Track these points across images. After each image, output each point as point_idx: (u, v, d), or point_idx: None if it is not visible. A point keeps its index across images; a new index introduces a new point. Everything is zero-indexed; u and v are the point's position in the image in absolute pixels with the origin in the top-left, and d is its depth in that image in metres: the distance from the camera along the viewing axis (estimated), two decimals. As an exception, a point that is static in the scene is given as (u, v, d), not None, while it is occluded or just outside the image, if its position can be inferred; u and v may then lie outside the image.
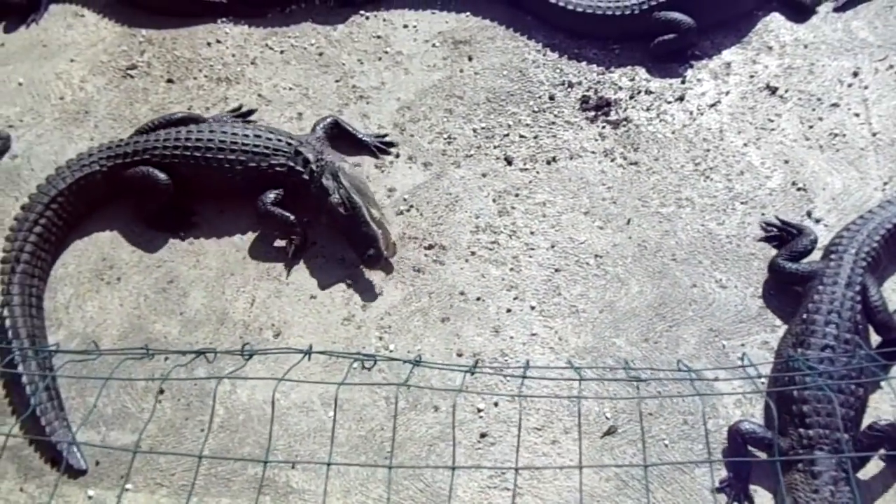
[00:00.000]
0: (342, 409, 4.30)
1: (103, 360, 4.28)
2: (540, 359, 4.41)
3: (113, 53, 6.06)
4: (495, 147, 5.31)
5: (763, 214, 4.83)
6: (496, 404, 4.28)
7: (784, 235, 4.68)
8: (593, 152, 5.23)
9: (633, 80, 5.57)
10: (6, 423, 4.36)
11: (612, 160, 5.18)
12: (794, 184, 4.94)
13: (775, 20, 5.76)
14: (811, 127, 5.18)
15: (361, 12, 6.13)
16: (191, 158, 4.94)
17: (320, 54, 5.92)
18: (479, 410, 4.26)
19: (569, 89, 5.55)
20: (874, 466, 3.94)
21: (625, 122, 5.34)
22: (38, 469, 4.24)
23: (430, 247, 4.88)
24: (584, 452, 4.09)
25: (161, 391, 4.42)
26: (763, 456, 3.97)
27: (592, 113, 5.41)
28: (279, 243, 4.97)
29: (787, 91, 5.37)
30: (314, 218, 4.98)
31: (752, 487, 3.95)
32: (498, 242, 4.88)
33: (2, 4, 6.31)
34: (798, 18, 5.74)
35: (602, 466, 4.04)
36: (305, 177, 4.85)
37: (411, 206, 5.06)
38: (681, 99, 5.41)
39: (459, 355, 4.45)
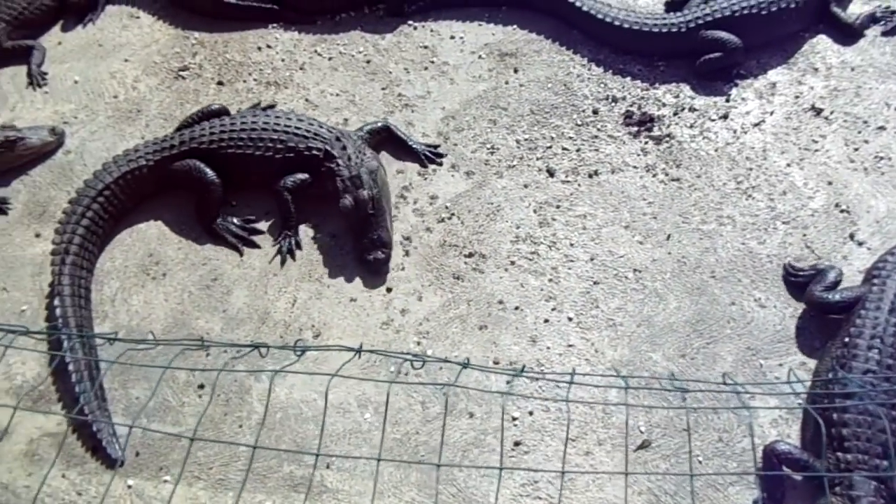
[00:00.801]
0: (378, 412, 4.35)
1: (146, 353, 4.42)
2: (576, 370, 4.43)
3: (166, 55, 6.22)
4: (538, 159, 5.35)
5: (805, 235, 4.82)
6: (531, 413, 4.30)
7: (802, 280, 4.61)
8: (635, 167, 5.26)
9: (677, 96, 5.59)
10: (52, 411, 4.47)
11: (654, 175, 5.20)
12: (837, 205, 4.93)
13: (822, 42, 5.76)
14: (856, 149, 5.16)
15: (409, 22, 6.24)
16: (236, 143, 5.11)
17: (368, 62, 6.03)
18: (514, 419, 4.29)
19: (613, 104, 5.59)
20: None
21: (668, 139, 5.36)
22: (80, 457, 4.32)
23: (471, 255, 4.93)
24: (616, 466, 4.11)
25: (201, 386, 4.50)
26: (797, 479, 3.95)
27: (635, 128, 5.44)
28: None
29: (832, 113, 5.36)
30: (326, 220, 5.13)
31: (786, 510, 3.94)
32: (538, 253, 4.92)
33: (60, 4, 6.50)
34: (845, 41, 5.74)
35: (650, 474, 4.04)
36: (340, 162, 4.95)
37: (453, 214, 5.12)
38: (725, 117, 5.43)
39: (496, 363, 4.48)
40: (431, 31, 6.19)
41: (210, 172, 5.08)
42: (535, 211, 5.10)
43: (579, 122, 5.52)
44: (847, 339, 4.10)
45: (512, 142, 5.46)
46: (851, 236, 4.80)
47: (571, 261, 4.87)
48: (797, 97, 5.48)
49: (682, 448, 4.13)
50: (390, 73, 5.94)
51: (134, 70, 6.13)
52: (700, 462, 4.10)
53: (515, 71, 5.85)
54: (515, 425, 4.27)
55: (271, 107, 5.73)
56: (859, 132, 5.25)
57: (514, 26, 6.13)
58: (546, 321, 4.65)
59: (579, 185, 5.21)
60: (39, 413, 4.44)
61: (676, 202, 5.07)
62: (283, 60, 6.10)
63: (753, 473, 3.95)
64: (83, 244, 4.92)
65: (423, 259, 4.94)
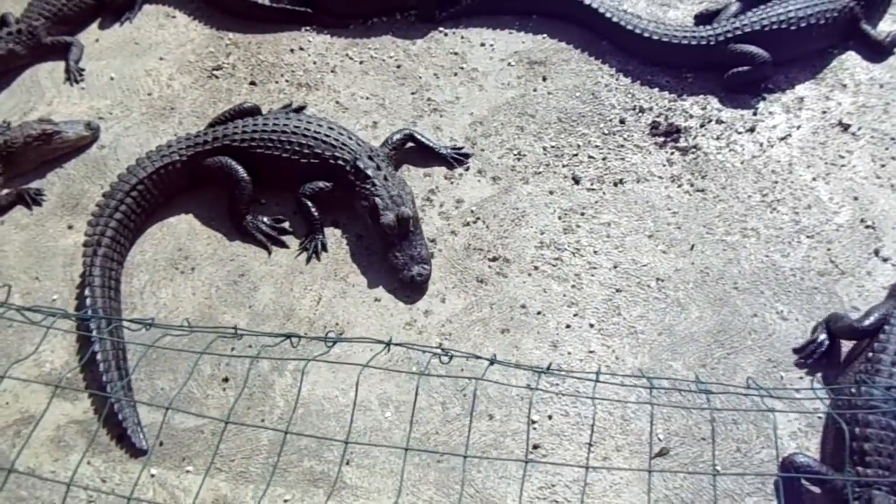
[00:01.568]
0: (399, 411, 4.40)
1: (173, 345, 4.50)
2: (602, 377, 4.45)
3: (200, 54, 6.33)
4: (564, 166, 5.40)
5: (829, 250, 4.83)
6: (550, 417, 4.33)
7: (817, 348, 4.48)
8: (660, 177, 5.29)
9: (704, 108, 5.62)
10: (79, 398, 4.56)
11: (679, 186, 5.23)
12: (862, 221, 4.93)
13: (851, 58, 5.77)
14: (883, 166, 5.17)
15: (440, 29, 6.32)
16: (265, 143, 5.21)
17: (398, 67, 6.10)
18: (534, 422, 4.32)
19: (639, 114, 5.63)
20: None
21: (694, 150, 5.39)
22: (105, 445, 4.39)
23: (495, 259, 4.98)
24: (634, 472, 4.13)
25: (226, 379, 4.57)
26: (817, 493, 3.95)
27: (662, 139, 5.47)
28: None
29: (859, 129, 5.37)
30: (352, 221, 5.22)
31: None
32: (561, 259, 4.96)
33: (99, 2, 6.63)
34: (875, 58, 5.75)
35: (673, 472, 4.06)
36: (377, 181, 5.01)
37: (478, 219, 5.17)
38: (751, 130, 5.45)
39: (521, 367, 4.50)
40: (462, 37, 6.26)
41: (241, 170, 5.18)
42: (559, 217, 5.14)
43: (606, 131, 5.56)
44: (871, 355, 4.09)
45: (539, 148, 5.51)
46: (876, 252, 4.80)
47: (594, 268, 4.91)
48: (825, 112, 5.49)
49: (700, 457, 4.15)
50: (420, 77, 6.01)
51: (169, 68, 6.25)
52: (719, 471, 4.11)
53: (544, 79, 5.90)
54: (534, 429, 4.30)
55: (302, 108, 5.81)
56: (887, 149, 5.25)
57: (544, 35, 6.19)
58: (568, 327, 4.68)
59: (604, 193, 5.24)
60: (66, 400, 4.53)
61: (701, 213, 5.09)
62: (314, 63, 6.19)
63: (773, 475, 3.97)
64: (115, 237, 5.02)
65: (448, 262, 4.99)
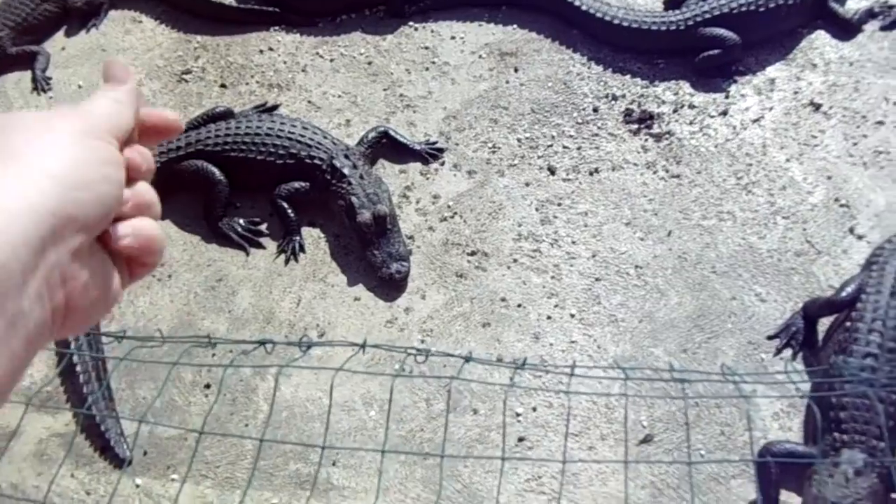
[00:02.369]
0: (383, 410, 4.39)
1: (153, 353, 4.47)
2: (583, 368, 4.47)
3: (169, 58, 6.27)
4: (539, 157, 5.40)
5: (805, 230, 4.86)
6: (534, 409, 4.34)
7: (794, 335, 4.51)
8: (636, 164, 5.30)
9: (676, 94, 5.63)
10: (60, 412, 4.52)
11: (655, 172, 5.24)
12: (836, 200, 4.96)
13: (820, 38, 5.79)
14: (855, 144, 5.20)
15: (410, 23, 6.28)
16: (239, 147, 5.17)
17: (369, 63, 6.07)
18: (518, 415, 4.33)
19: (612, 102, 5.63)
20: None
21: (668, 136, 5.40)
22: (88, 457, 4.37)
23: (473, 253, 4.98)
24: (619, 460, 4.15)
25: (208, 386, 4.55)
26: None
27: (635, 126, 5.48)
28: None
29: (831, 108, 5.39)
30: (329, 221, 5.20)
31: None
32: (540, 251, 4.96)
33: (63, 10, 6.55)
34: (844, 36, 5.76)
35: (646, 462, 4.08)
36: (353, 180, 4.99)
37: (455, 213, 5.16)
38: (724, 113, 5.47)
39: (500, 360, 4.52)
40: (432, 31, 6.23)
41: (216, 171, 5.15)
42: (536, 209, 5.14)
43: (580, 121, 5.56)
44: (848, 324, 4.14)
45: (513, 140, 5.50)
46: (851, 230, 4.83)
47: (573, 258, 4.91)
48: (796, 93, 5.51)
49: (685, 442, 4.17)
50: (392, 73, 5.99)
51: (137, 74, 6.17)
52: (703, 455, 4.14)
53: (516, 70, 5.89)
54: (519, 421, 4.31)
55: (275, 108, 5.78)
56: (858, 127, 5.28)
57: (514, 26, 6.17)
58: (549, 318, 4.69)
59: (580, 182, 5.25)
60: (47, 413, 4.50)
61: (677, 199, 5.11)
62: (285, 63, 6.15)
63: (741, 461, 3.99)
64: None
65: (426, 258, 4.98)
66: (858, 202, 4.94)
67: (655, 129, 5.44)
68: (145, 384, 4.58)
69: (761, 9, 5.55)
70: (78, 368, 4.47)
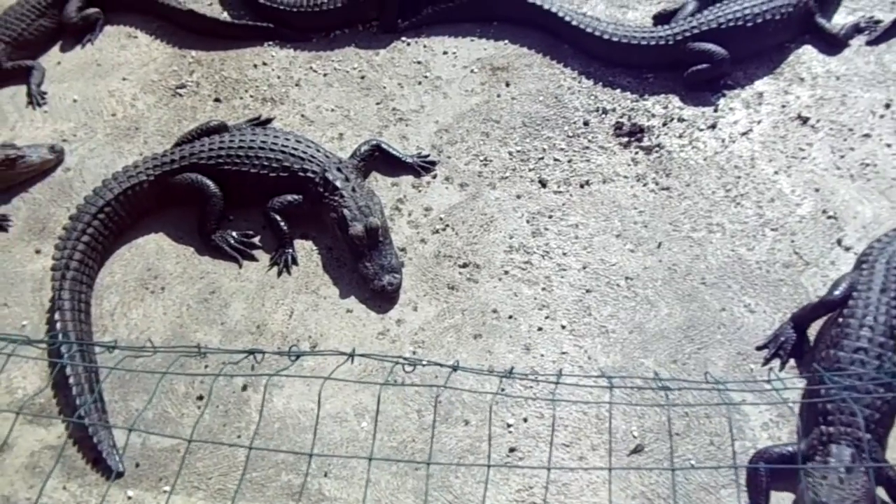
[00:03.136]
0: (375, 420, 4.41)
1: (145, 365, 4.49)
2: (570, 377, 4.49)
3: (163, 73, 6.32)
4: (530, 170, 5.44)
5: (793, 242, 4.90)
6: (525, 420, 4.36)
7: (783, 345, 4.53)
8: (626, 177, 5.35)
9: (666, 107, 5.69)
10: (53, 424, 4.52)
11: (645, 185, 5.29)
12: (824, 212, 5.01)
13: (807, 52, 5.87)
14: (842, 157, 5.26)
15: (403, 38, 6.36)
16: (233, 160, 5.21)
17: (362, 78, 6.13)
18: (509, 426, 4.35)
19: (603, 115, 5.69)
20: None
21: (657, 149, 5.45)
22: (80, 469, 4.36)
23: (465, 265, 5.01)
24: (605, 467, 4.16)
25: (200, 397, 4.56)
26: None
27: (626, 139, 5.53)
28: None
29: (818, 121, 5.46)
30: (322, 233, 5.24)
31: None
32: (531, 262, 4.99)
33: (59, 25, 6.60)
34: (830, 51, 5.85)
35: (635, 469, 4.10)
36: (345, 193, 5.02)
37: (447, 226, 5.20)
38: (713, 127, 5.53)
39: (491, 371, 4.54)
40: (424, 46, 6.30)
41: (210, 184, 5.19)
42: (527, 221, 5.18)
43: (570, 134, 5.61)
44: (840, 320, 4.21)
45: (504, 154, 5.55)
46: (839, 242, 4.88)
47: (564, 269, 4.95)
48: (784, 106, 5.58)
49: (675, 452, 4.19)
50: (384, 88, 6.04)
51: (132, 88, 6.23)
52: (693, 465, 4.16)
53: (507, 84, 5.95)
54: (510, 432, 4.33)
55: (269, 121, 5.83)
56: (845, 140, 5.34)
57: (506, 41, 6.25)
58: (539, 329, 4.71)
59: (571, 195, 5.29)
60: (40, 426, 4.50)
61: (667, 211, 5.15)
62: (279, 77, 6.20)
63: (732, 467, 4.01)
64: (83, 260, 4.99)
65: (419, 270, 5.01)
66: (846, 214, 4.99)
67: (645, 142, 5.49)
68: (138, 396, 4.59)
69: (749, 24, 5.63)
70: (71, 380, 4.48)
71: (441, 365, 2.92)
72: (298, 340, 4.77)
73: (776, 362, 4.44)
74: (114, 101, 6.15)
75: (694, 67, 5.65)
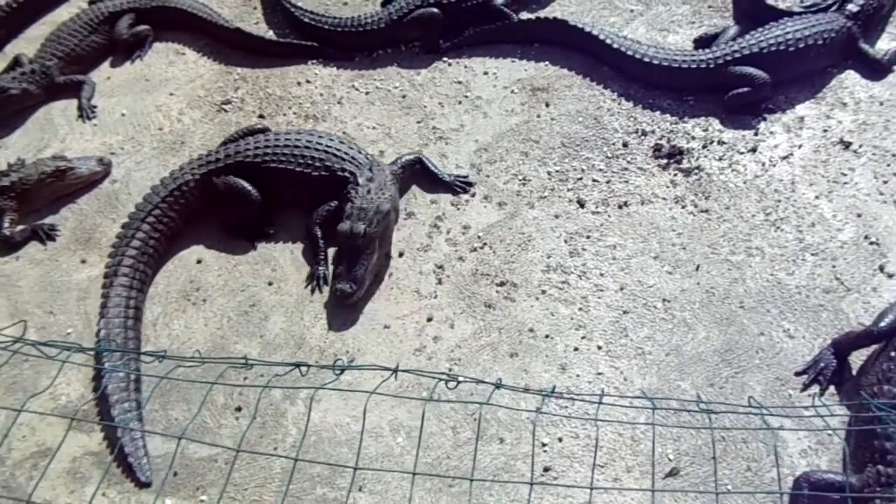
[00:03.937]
0: (410, 436, 4.43)
1: (186, 376, 4.56)
2: (605, 398, 4.48)
3: (209, 89, 6.46)
4: (568, 190, 5.47)
5: (834, 267, 4.87)
6: (560, 440, 4.36)
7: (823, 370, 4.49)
8: (664, 199, 5.35)
9: (706, 130, 5.69)
10: (95, 430, 4.61)
11: (683, 207, 5.28)
12: (866, 237, 4.97)
13: (850, 77, 5.84)
14: (885, 182, 5.21)
15: (444, 59, 6.44)
16: (278, 158, 5.35)
17: (403, 97, 6.21)
18: (544, 445, 4.35)
19: (642, 137, 5.71)
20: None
21: (697, 171, 5.45)
22: (119, 476, 4.43)
23: (502, 284, 5.04)
24: (645, 493, 4.14)
25: (239, 409, 4.62)
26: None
27: (665, 160, 5.54)
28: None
29: (861, 146, 5.42)
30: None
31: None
32: (568, 282, 5.01)
33: (110, 42, 6.79)
34: (874, 76, 5.82)
35: (677, 491, 4.06)
36: (359, 190, 5.11)
37: (485, 244, 5.23)
38: (753, 150, 5.51)
39: (526, 390, 4.54)
40: (465, 67, 6.37)
41: (250, 187, 5.34)
42: (565, 241, 5.21)
43: (609, 155, 5.63)
44: (893, 353, 4.10)
45: (543, 173, 5.58)
46: (881, 268, 4.83)
47: (601, 290, 4.96)
48: (825, 131, 5.55)
49: (711, 476, 4.16)
50: (425, 107, 6.12)
51: (179, 103, 6.37)
52: (729, 490, 4.12)
53: (547, 105, 6.00)
54: (545, 451, 4.33)
55: None
56: (888, 165, 5.30)
57: (546, 62, 6.30)
58: (576, 349, 4.72)
59: (609, 215, 5.30)
60: (82, 432, 4.59)
61: (705, 233, 5.14)
62: (321, 95, 6.31)
63: (775, 492, 3.97)
64: (133, 265, 5.11)
65: (456, 287, 5.05)
66: (889, 240, 4.95)
67: (685, 165, 5.49)
68: (178, 406, 4.67)
69: (791, 49, 5.62)
70: (108, 390, 4.57)
71: (484, 382, 2.94)
72: (336, 355, 4.82)
73: (815, 388, 4.40)
74: (161, 116, 6.29)
75: (735, 91, 5.65)
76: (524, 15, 6.61)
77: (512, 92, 6.14)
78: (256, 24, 6.95)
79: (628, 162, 5.58)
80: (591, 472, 4.22)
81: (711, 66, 5.72)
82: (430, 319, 4.92)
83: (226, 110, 6.28)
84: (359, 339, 4.89)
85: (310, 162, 5.32)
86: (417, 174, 5.59)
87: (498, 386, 2.86)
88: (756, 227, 5.14)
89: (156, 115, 6.31)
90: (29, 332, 4.99)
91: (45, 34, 6.77)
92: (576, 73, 6.21)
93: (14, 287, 5.31)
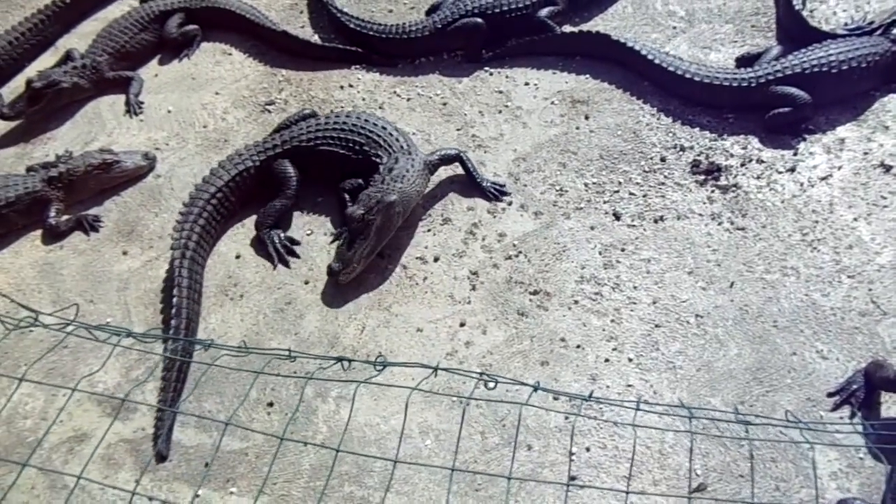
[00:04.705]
0: (439, 439, 4.47)
1: (226, 364, 4.63)
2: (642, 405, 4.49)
3: (254, 90, 6.59)
4: (605, 202, 5.50)
5: (870, 290, 4.84)
6: (588, 450, 4.38)
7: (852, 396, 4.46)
8: (701, 215, 5.36)
9: (745, 148, 5.69)
10: (130, 418, 4.71)
11: (720, 224, 5.29)
12: (905, 262, 4.95)
13: (893, 101, 5.81)
14: (926, 208, 5.19)
15: (486, 68, 6.51)
16: (328, 141, 5.60)
17: (444, 104, 6.29)
18: (571, 454, 4.37)
19: (680, 153, 5.72)
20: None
21: (734, 188, 5.45)
22: (153, 464, 4.52)
23: (536, 292, 5.07)
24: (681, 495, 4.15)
25: (270, 404, 4.69)
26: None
27: (702, 177, 5.55)
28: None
29: (902, 170, 5.40)
30: (396, 251, 5.41)
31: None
32: (601, 294, 5.03)
33: (159, 40, 6.94)
34: (918, 101, 5.79)
35: (712, 500, 4.06)
36: (377, 176, 5.30)
37: (520, 252, 5.28)
38: (792, 170, 5.50)
39: (556, 399, 4.58)
40: (507, 77, 6.44)
41: (294, 182, 5.57)
42: (600, 253, 5.23)
43: (647, 169, 5.66)
44: None
45: (580, 185, 5.62)
46: (919, 294, 4.81)
47: (634, 303, 4.97)
48: (866, 153, 5.53)
49: (738, 494, 4.15)
50: (465, 115, 6.19)
51: (224, 102, 6.50)
52: (756, 508, 4.12)
53: (586, 117, 6.03)
54: (572, 460, 4.35)
55: None
56: (929, 191, 5.28)
57: (587, 75, 6.34)
58: (606, 361, 4.74)
59: (645, 229, 5.32)
60: (118, 419, 4.68)
61: (741, 251, 5.14)
62: (363, 99, 6.40)
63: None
64: (199, 241, 5.32)
65: (490, 294, 5.10)
66: (927, 266, 4.92)
67: (722, 182, 5.50)
68: (212, 398, 4.75)
69: (833, 70, 5.61)
70: (164, 371, 4.76)
71: (523, 384, 2.98)
72: (369, 355, 4.87)
73: (846, 410, 4.39)
74: (206, 114, 6.42)
75: (776, 110, 5.65)
76: (567, 28, 6.66)
77: (552, 103, 6.18)
78: (302, 28, 7.07)
79: (665, 177, 5.60)
80: (617, 483, 4.24)
81: (753, 84, 5.73)
82: (462, 324, 4.97)
83: (269, 111, 6.39)
84: (391, 340, 4.95)
85: (351, 146, 5.56)
86: (456, 180, 5.66)
87: (537, 388, 2.90)
88: (792, 246, 5.13)
89: (201, 112, 6.44)
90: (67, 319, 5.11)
91: (96, 30, 6.96)
92: (616, 86, 6.24)
93: (57, 275, 5.44)
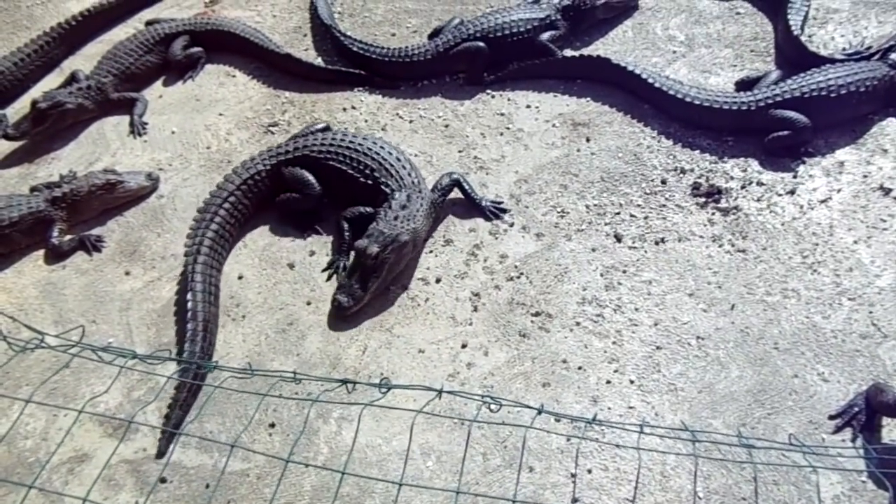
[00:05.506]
0: (440, 461, 4.46)
1: (219, 390, 4.63)
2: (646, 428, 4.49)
3: (258, 111, 6.64)
4: (606, 224, 5.53)
5: (871, 313, 4.86)
6: (589, 471, 4.37)
7: (853, 419, 4.47)
8: (701, 237, 5.38)
9: (745, 170, 5.73)
10: (130, 439, 4.70)
11: (720, 246, 5.31)
12: (904, 285, 4.97)
13: (892, 125, 5.86)
14: (926, 230, 5.21)
15: (488, 91, 6.57)
16: (338, 157, 5.65)
17: (446, 126, 6.33)
18: (573, 476, 4.37)
19: (681, 175, 5.76)
20: None
21: (734, 211, 5.48)
22: (153, 485, 4.50)
23: (537, 314, 5.08)
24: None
25: (272, 425, 4.69)
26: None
27: (703, 199, 5.58)
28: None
29: (901, 193, 5.43)
30: (400, 273, 5.40)
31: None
32: (603, 315, 5.04)
33: (164, 61, 7.01)
34: (917, 125, 5.83)
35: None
36: (388, 213, 5.28)
37: (521, 274, 5.29)
38: (792, 192, 5.54)
39: (557, 421, 4.58)
40: (508, 99, 6.49)
41: (310, 181, 5.69)
42: (601, 274, 5.25)
43: (648, 191, 5.69)
44: None
45: (581, 207, 5.65)
46: (919, 316, 4.82)
47: (635, 325, 4.99)
48: (865, 176, 5.57)
49: (741, 516, 4.15)
50: (467, 136, 6.23)
51: (227, 124, 6.55)
52: (758, 532, 4.11)
53: (587, 140, 6.08)
54: (574, 482, 4.34)
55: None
56: (929, 214, 5.30)
57: (588, 98, 6.40)
58: (608, 382, 4.74)
59: (646, 251, 5.35)
60: (118, 440, 4.67)
61: (742, 273, 5.16)
62: (366, 121, 6.45)
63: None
64: (213, 246, 5.39)
65: (491, 315, 5.11)
66: (927, 288, 4.94)
67: (723, 204, 5.53)
68: (213, 419, 4.74)
69: (832, 94, 5.66)
70: (175, 391, 4.76)
71: (526, 406, 2.99)
72: (371, 377, 4.88)
73: (848, 433, 4.39)
74: (209, 135, 6.46)
75: (775, 134, 5.69)
76: (568, 52, 6.74)
77: (553, 126, 6.23)
78: (306, 51, 7.14)
79: (666, 199, 5.63)
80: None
81: (753, 108, 5.78)
82: (464, 346, 4.98)
83: (272, 132, 6.44)
84: (393, 361, 4.95)
85: (361, 168, 5.58)
86: (457, 202, 5.69)
87: (541, 411, 2.91)
88: (793, 269, 5.15)
89: (204, 134, 6.48)
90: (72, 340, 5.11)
91: (101, 52, 7.03)
92: (617, 109, 6.29)
93: (60, 295, 5.46)
